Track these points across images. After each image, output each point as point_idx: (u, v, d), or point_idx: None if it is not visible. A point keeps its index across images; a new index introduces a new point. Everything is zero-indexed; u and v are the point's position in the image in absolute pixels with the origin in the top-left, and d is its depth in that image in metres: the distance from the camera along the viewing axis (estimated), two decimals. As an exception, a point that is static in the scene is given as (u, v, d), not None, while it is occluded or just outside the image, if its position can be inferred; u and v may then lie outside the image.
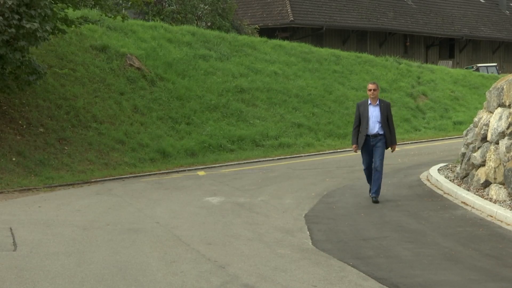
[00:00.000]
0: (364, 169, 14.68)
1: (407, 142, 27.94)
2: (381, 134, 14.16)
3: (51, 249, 10.53)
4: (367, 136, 14.16)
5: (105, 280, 8.84)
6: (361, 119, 14.25)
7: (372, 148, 14.21)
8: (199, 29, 33.30)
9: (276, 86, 29.82)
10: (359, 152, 14.64)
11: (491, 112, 14.90)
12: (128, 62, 26.38)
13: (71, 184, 18.46)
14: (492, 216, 12.54)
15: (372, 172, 14.25)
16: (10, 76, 19.97)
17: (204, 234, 11.59)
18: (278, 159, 23.59)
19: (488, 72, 45.76)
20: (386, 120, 14.20)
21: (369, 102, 14.32)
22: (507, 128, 13.67)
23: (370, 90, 14.35)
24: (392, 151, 14.65)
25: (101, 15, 23.79)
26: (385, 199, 14.60)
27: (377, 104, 14.29)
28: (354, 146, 14.43)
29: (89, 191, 17.31)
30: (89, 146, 21.29)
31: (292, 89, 30.20)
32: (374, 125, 14.17)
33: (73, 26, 22.10)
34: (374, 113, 14.20)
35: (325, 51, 36.17)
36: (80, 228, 12.16)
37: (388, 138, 14.21)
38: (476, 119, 15.96)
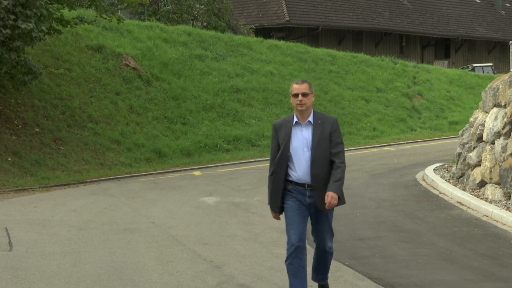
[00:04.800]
0: (291, 247, 7.53)
1: (402, 142, 27.95)
2: (321, 183, 7.56)
3: (47, 249, 10.52)
4: (296, 186, 7.60)
5: (101, 280, 8.83)
6: (281, 154, 7.61)
7: (308, 210, 7.65)
8: (195, 29, 33.30)
9: (271, 86, 29.83)
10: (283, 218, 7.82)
11: (487, 112, 14.92)
12: (123, 62, 26.37)
13: (67, 184, 18.45)
14: (487, 216, 12.55)
15: (315, 253, 7.92)
16: (5, 76, 19.95)
17: (200, 234, 11.59)
18: (274, 159, 23.55)
19: (483, 72, 45.81)
20: (329, 153, 7.60)
21: (294, 120, 7.66)
22: (503, 128, 13.69)
23: (295, 96, 7.61)
24: (326, 206, 7.47)
25: (96, 16, 23.78)
26: (380, 199, 14.61)
27: (310, 123, 7.62)
28: (272, 212, 7.75)
29: (85, 191, 17.30)
30: (85, 146, 21.28)
31: (288, 89, 30.15)
32: (307, 165, 7.56)
33: (68, 26, 22.09)
34: (304, 142, 7.58)
35: (320, 51, 36.18)
36: (76, 228, 12.15)
37: (330, 186, 7.54)
38: (471, 119, 15.97)
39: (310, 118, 7.64)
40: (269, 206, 7.76)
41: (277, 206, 7.70)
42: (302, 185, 7.60)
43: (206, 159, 22.71)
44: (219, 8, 39.10)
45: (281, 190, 7.66)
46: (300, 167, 7.59)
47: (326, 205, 7.44)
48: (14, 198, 16.28)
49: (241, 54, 31.95)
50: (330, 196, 7.48)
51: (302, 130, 7.65)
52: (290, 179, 7.64)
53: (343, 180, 7.68)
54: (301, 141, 7.63)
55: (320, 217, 7.74)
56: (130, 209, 14.23)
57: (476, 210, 13.11)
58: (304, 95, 7.60)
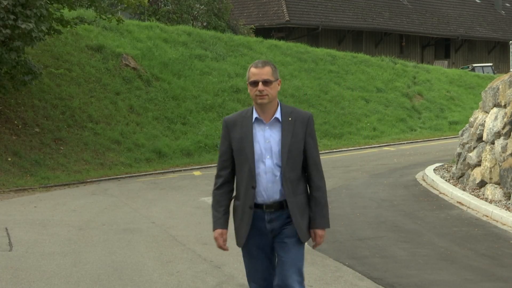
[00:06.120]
0: None
1: (402, 142, 27.95)
2: (291, 204, 5.67)
3: (47, 249, 10.52)
4: (257, 208, 5.70)
5: (101, 280, 8.83)
6: (235, 163, 5.78)
7: (272, 241, 5.76)
8: (195, 29, 33.31)
9: (272, 86, 29.79)
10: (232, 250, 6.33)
11: (487, 112, 14.92)
12: (123, 62, 26.37)
13: (67, 184, 18.45)
14: (487, 216, 12.55)
15: None
16: (5, 76, 19.96)
17: (200, 234, 11.59)
18: (274, 159, 23.56)
19: (483, 72, 45.79)
20: (305, 160, 5.76)
21: (254, 116, 5.73)
22: (503, 128, 13.69)
23: (254, 84, 5.66)
24: (314, 246, 5.86)
25: (96, 17, 23.80)
26: (380, 199, 14.60)
27: (276, 120, 5.72)
28: (217, 235, 5.78)
29: (84, 191, 17.30)
30: (85, 146, 21.28)
31: (288, 89, 30.19)
32: (273, 180, 5.66)
33: (68, 26, 22.10)
34: (267, 147, 5.67)
35: (320, 51, 36.17)
36: (76, 228, 12.15)
37: (315, 219, 5.74)
38: (471, 119, 15.97)
39: (277, 115, 5.66)
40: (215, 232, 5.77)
41: (244, 237, 5.70)
42: (259, 206, 5.63)
43: (206, 159, 22.71)
44: (219, 8, 39.09)
45: (249, 215, 5.63)
46: (259, 181, 5.60)
47: (314, 247, 5.88)
48: (14, 198, 16.28)
49: (241, 54, 31.95)
50: (319, 236, 5.70)
51: (265, 130, 5.63)
52: (249, 201, 5.63)
53: (328, 207, 5.76)
54: (262, 145, 5.61)
55: (284, 253, 5.63)
56: (130, 209, 14.23)
57: (476, 210, 13.11)
58: (265, 83, 5.60)
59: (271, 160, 5.63)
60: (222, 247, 5.79)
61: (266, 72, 5.66)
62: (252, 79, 5.67)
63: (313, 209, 5.71)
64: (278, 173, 5.63)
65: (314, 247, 5.88)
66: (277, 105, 5.73)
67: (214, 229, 5.77)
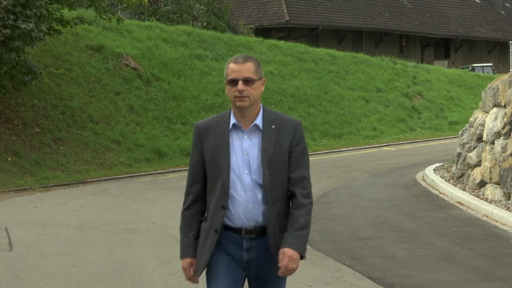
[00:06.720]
0: None
1: (402, 142, 27.95)
2: (271, 229, 4.67)
3: (47, 249, 10.52)
4: (227, 232, 4.74)
5: (101, 280, 8.83)
6: (207, 179, 4.79)
7: (245, 271, 4.78)
8: (194, 29, 33.31)
9: (271, 86, 29.82)
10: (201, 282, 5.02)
11: (487, 112, 14.92)
12: (123, 62, 26.37)
13: (67, 184, 18.45)
14: (487, 216, 12.55)
15: None
16: (5, 76, 19.96)
17: (200, 234, 11.57)
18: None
19: (483, 72, 45.80)
20: (287, 179, 4.72)
21: (231, 122, 4.75)
22: (503, 128, 13.69)
23: (232, 82, 4.68)
24: (280, 271, 4.59)
25: (96, 17, 23.80)
26: (380, 199, 14.61)
27: (257, 128, 4.77)
28: (186, 265, 4.78)
29: (84, 191, 17.30)
30: (85, 146, 21.28)
31: (288, 89, 30.20)
32: (254, 200, 4.68)
33: (68, 26, 22.10)
34: (245, 159, 4.70)
35: (320, 51, 36.18)
36: (75, 228, 12.15)
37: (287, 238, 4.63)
38: (471, 119, 15.97)
39: (258, 121, 4.74)
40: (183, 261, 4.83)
41: (202, 267, 4.72)
42: (237, 230, 4.68)
43: (206, 159, 22.69)
44: (219, 8, 39.10)
45: (213, 238, 4.67)
46: (236, 201, 4.66)
47: (280, 271, 4.58)
48: (14, 198, 16.28)
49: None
50: (288, 257, 4.55)
51: (243, 139, 4.69)
52: (215, 224, 4.71)
53: (309, 229, 4.68)
54: (240, 157, 4.67)
55: (262, 286, 4.77)
56: (130, 209, 14.23)
57: (476, 210, 13.12)
58: (247, 81, 4.66)
59: (249, 176, 4.64)
60: (191, 280, 4.79)
61: (247, 69, 4.67)
62: (230, 76, 4.67)
63: (287, 228, 4.61)
64: (260, 192, 4.63)
65: (281, 272, 4.57)
66: (259, 109, 4.79)
67: (182, 257, 4.79)
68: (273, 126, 4.72)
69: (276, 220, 4.65)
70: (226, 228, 4.69)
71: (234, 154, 4.66)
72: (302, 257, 4.61)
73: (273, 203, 4.65)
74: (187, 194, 4.84)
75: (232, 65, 4.67)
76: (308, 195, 4.68)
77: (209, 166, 4.72)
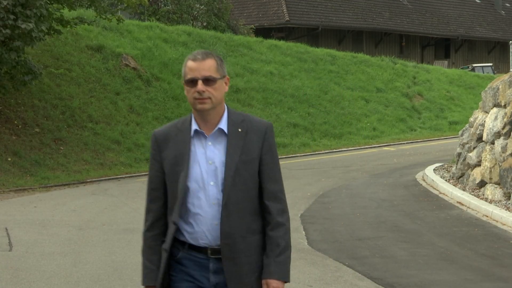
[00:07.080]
0: None
1: (402, 142, 27.95)
2: (240, 247, 4.12)
3: (47, 249, 10.52)
4: (191, 252, 4.21)
5: (101, 280, 8.83)
6: (168, 194, 4.22)
7: None
8: (194, 29, 33.31)
9: (271, 86, 29.83)
10: None
11: (487, 112, 14.92)
12: (123, 62, 26.37)
13: (67, 184, 18.45)
14: (487, 216, 12.55)
15: None
16: (5, 76, 19.96)
17: (200, 234, 11.57)
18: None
19: (483, 72, 45.80)
20: (260, 185, 4.15)
21: (193, 127, 4.20)
22: (503, 128, 13.69)
23: (191, 83, 4.10)
24: None
25: (96, 17, 23.80)
26: (380, 199, 14.61)
27: (221, 132, 4.17)
28: None
29: (84, 191, 17.30)
30: (85, 146, 21.28)
31: (288, 89, 30.19)
32: (213, 213, 4.12)
33: (68, 26, 22.10)
34: (209, 168, 4.12)
35: (320, 51, 36.17)
36: (75, 228, 12.15)
37: (269, 266, 4.11)
38: (471, 119, 15.97)
39: (222, 124, 4.17)
40: None
41: (152, 280, 4.42)
42: (202, 250, 4.17)
43: (206, 159, 22.70)
44: (219, 8, 39.10)
45: (164, 259, 4.30)
46: (200, 218, 4.13)
47: None
48: (14, 198, 16.28)
49: (241, 54, 31.94)
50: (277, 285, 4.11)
51: (207, 146, 4.14)
52: (181, 238, 4.21)
53: (290, 249, 4.20)
54: (204, 166, 4.12)
55: None
56: (130, 209, 14.24)
57: (476, 210, 13.12)
58: (207, 81, 4.10)
59: (216, 187, 4.08)
60: None
61: (208, 67, 4.08)
62: (189, 76, 4.10)
63: (268, 253, 4.12)
64: (219, 203, 4.09)
65: None
66: (223, 111, 4.18)
67: (144, 284, 4.37)
68: (239, 130, 4.12)
69: (244, 236, 4.10)
70: (191, 248, 4.15)
71: (197, 164, 4.09)
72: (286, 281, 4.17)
73: (239, 218, 4.08)
74: (148, 211, 4.35)
75: (190, 63, 4.10)
76: (284, 211, 4.19)
77: (169, 180, 4.15)
